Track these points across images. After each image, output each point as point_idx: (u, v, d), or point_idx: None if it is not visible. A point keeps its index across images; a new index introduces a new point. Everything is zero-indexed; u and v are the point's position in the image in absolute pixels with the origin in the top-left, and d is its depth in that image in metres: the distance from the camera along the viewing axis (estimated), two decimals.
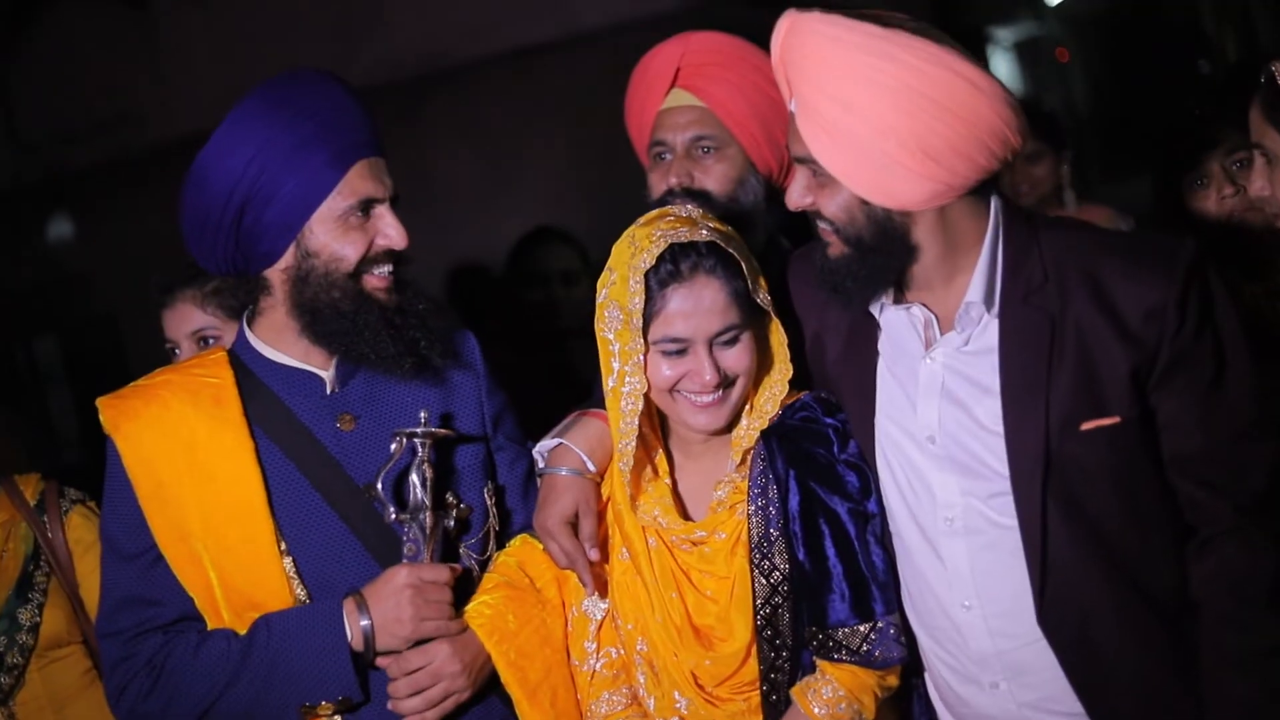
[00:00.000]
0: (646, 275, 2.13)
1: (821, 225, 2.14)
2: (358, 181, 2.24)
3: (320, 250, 2.23)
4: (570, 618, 2.33)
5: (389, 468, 2.27)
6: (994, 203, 2.14)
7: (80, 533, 2.96)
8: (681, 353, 2.17)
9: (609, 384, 2.24)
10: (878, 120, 2.00)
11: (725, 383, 2.18)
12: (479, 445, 2.42)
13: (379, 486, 2.26)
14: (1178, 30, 14.28)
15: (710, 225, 2.19)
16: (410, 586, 2.22)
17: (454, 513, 2.33)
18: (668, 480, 2.29)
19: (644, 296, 2.14)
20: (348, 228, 2.24)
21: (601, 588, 2.30)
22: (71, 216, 8.74)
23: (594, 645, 2.31)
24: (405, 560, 2.26)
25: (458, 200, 7.12)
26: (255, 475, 2.25)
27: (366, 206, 2.25)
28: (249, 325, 2.37)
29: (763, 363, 2.26)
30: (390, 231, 2.26)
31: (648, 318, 2.16)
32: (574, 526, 2.28)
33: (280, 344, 2.33)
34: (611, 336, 2.22)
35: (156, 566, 2.25)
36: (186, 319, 2.83)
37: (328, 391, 2.33)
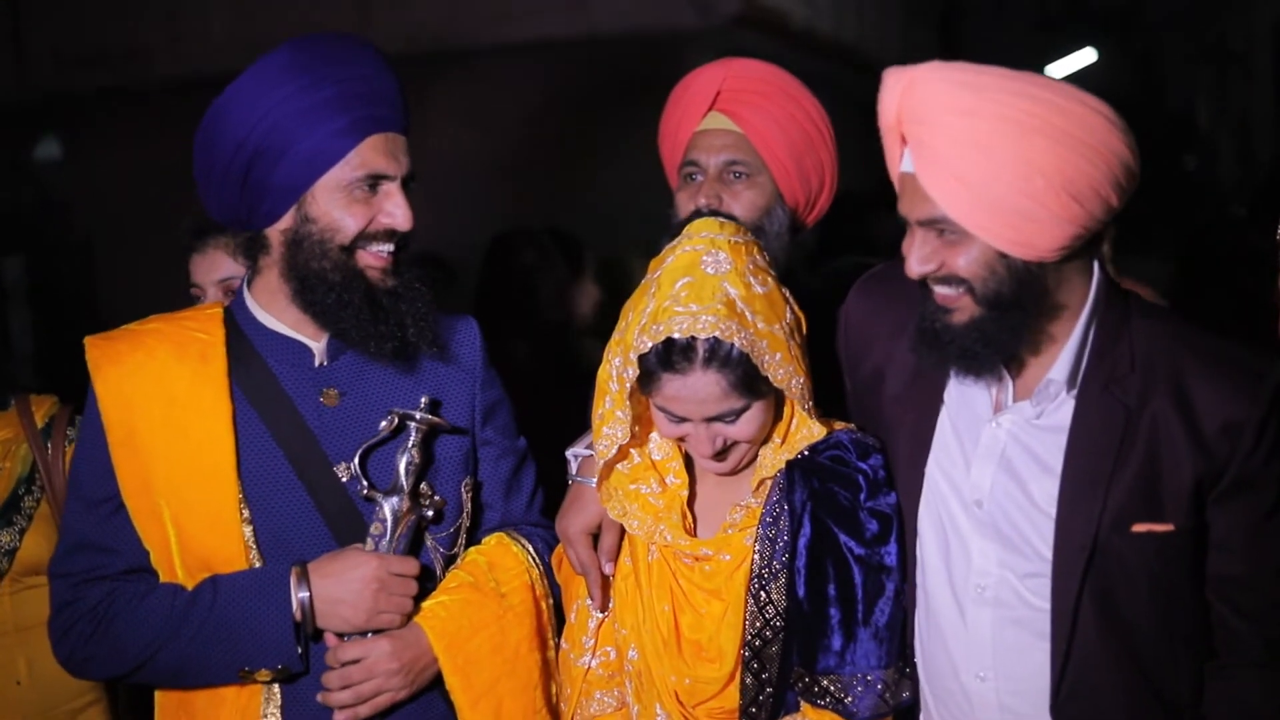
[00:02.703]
0: (642, 357, 2.10)
1: (944, 291, 2.06)
2: (370, 154, 2.19)
3: (319, 217, 2.19)
4: (575, 608, 2.33)
5: (372, 443, 2.26)
6: (1096, 272, 2.10)
7: None
8: (680, 421, 2.14)
9: (596, 414, 2.21)
10: (1023, 162, 1.93)
11: (728, 445, 2.16)
12: (463, 438, 2.39)
13: (356, 460, 2.24)
14: (1172, 121, 14.50)
15: (726, 296, 2.08)
16: (376, 580, 2.20)
17: (429, 504, 2.30)
18: (684, 493, 2.27)
19: (639, 371, 2.11)
20: (352, 200, 2.20)
21: (609, 601, 2.29)
22: (62, 141, 8.71)
23: (592, 641, 2.30)
24: (370, 539, 2.24)
25: (451, 183, 7.16)
26: (228, 437, 2.23)
27: (375, 181, 2.20)
28: (248, 285, 2.35)
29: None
30: (395, 211, 2.22)
31: (646, 385, 2.13)
32: (594, 537, 2.28)
33: (274, 308, 2.30)
34: (613, 374, 2.18)
35: (117, 515, 2.23)
36: (216, 266, 2.84)
37: (316, 364, 2.31)
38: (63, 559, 2.26)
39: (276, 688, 2.25)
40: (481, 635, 2.28)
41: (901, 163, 2.06)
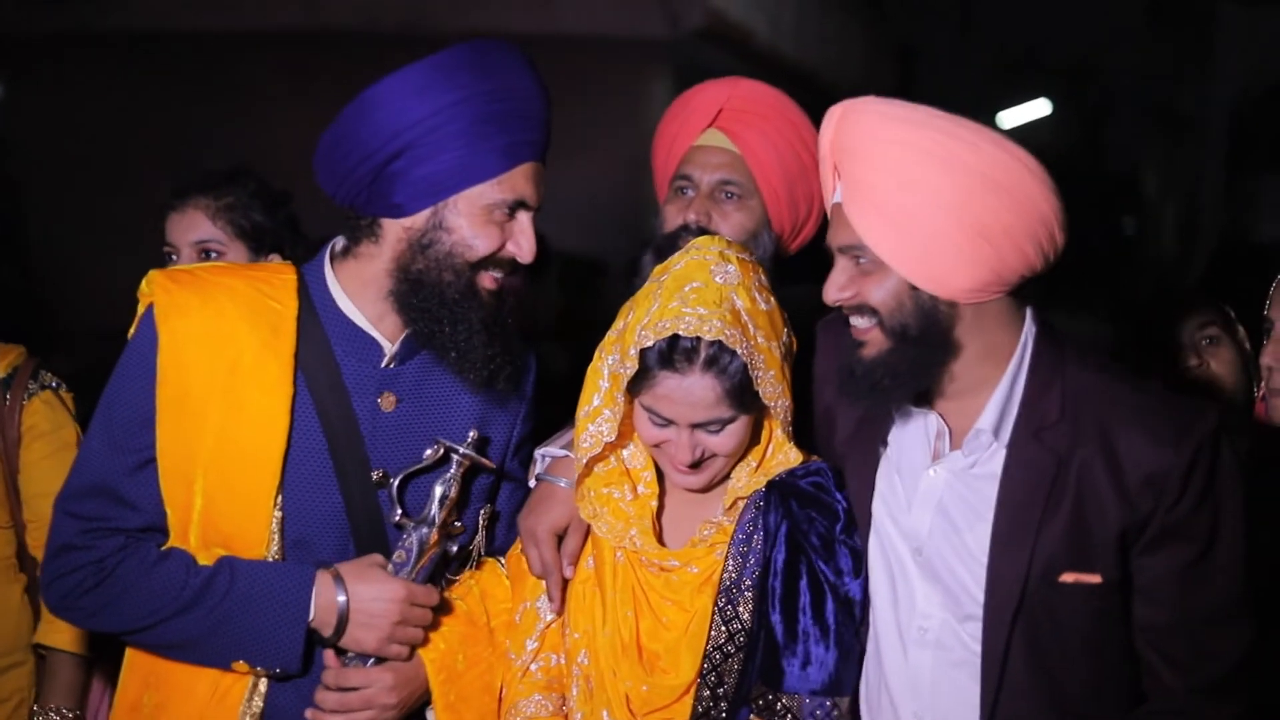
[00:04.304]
0: (643, 352, 2.11)
1: (858, 323, 2.10)
2: (520, 181, 2.16)
3: (455, 229, 2.14)
4: (522, 609, 2.31)
5: (412, 470, 2.22)
6: (1028, 322, 2.12)
7: (37, 419, 2.85)
8: (665, 425, 2.15)
9: (582, 410, 2.22)
10: (936, 197, 1.97)
11: (705, 457, 2.18)
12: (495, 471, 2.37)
13: (394, 484, 2.20)
14: (1117, 182, 14.77)
15: (733, 306, 2.12)
16: (400, 610, 2.16)
17: (455, 540, 2.27)
18: (654, 503, 2.28)
19: (638, 366, 2.12)
20: (490, 220, 2.16)
21: (564, 604, 2.28)
22: (5, 80, 8.59)
23: (535, 644, 2.29)
24: (391, 565, 2.19)
25: None
26: (284, 421, 2.16)
27: (515, 208, 2.17)
28: (331, 261, 2.27)
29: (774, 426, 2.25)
30: (523, 241, 2.19)
31: (638, 383, 2.14)
32: (559, 539, 2.27)
33: (358, 297, 2.23)
34: (605, 372, 2.21)
35: (145, 470, 2.16)
36: (194, 227, 2.81)
37: (383, 364, 2.24)
38: (77, 497, 2.17)
39: (264, 679, 2.20)
40: (474, 672, 2.26)
41: (834, 194, 2.11)
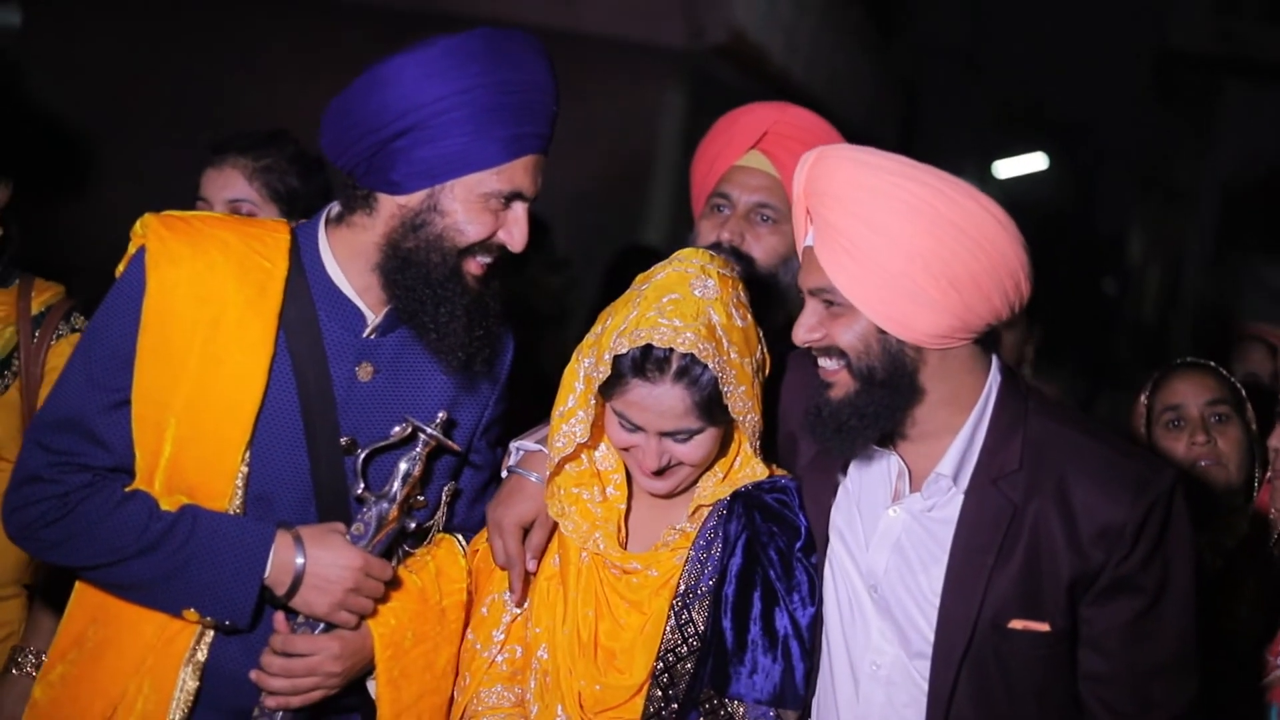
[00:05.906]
0: (617, 358, 2.15)
1: (826, 365, 2.14)
2: (520, 173, 2.19)
3: (449, 212, 2.17)
4: (489, 601, 2.34)
5: (378, 446, 2.25)
6: (994, 371, 2.17)
7: (60, 361, 2.78)
8: (634, 431, 2.20)
9: (558, 410, 2.26)
10: (905, 243, 2.02)
11: (671, 465, 2.22)
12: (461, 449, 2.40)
13: (360, 456, 2.24)
14: (1101, 243, 14.87)
15: (709, 320, 2.17)
16: (354, 578, 2.18)
17: (414, 516, 2.30)
18: (621, 505, 2.32)
19: (611, 371, 2.16)
20: (485, 209, 2.18)
21: (526, 597, 2.32)
22: (25, 9, 8.56)
23: (502, 635, 2.32)
24: (350, 537, 2.21)
25: None
26: (261, 380, 2.19)
27: (511, 198, 2.20)
28: (325, 226, 2.30)
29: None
30: (515, 231, 2.21)
31: (611, 387, 2.18)
32: (525, 532, 2.31)
33: (347, 265, 2.26)
34: (581, 374, 2.25)
35: (119, 410, 2.18)
36: (230, 184, 2.84)
37: (364, 334, 2.27)
38: (49, 429, 2.19)
39: (211, 631, 2.22)
40: (419, 649, 2.28)
41: (807, 237, 2.16)
